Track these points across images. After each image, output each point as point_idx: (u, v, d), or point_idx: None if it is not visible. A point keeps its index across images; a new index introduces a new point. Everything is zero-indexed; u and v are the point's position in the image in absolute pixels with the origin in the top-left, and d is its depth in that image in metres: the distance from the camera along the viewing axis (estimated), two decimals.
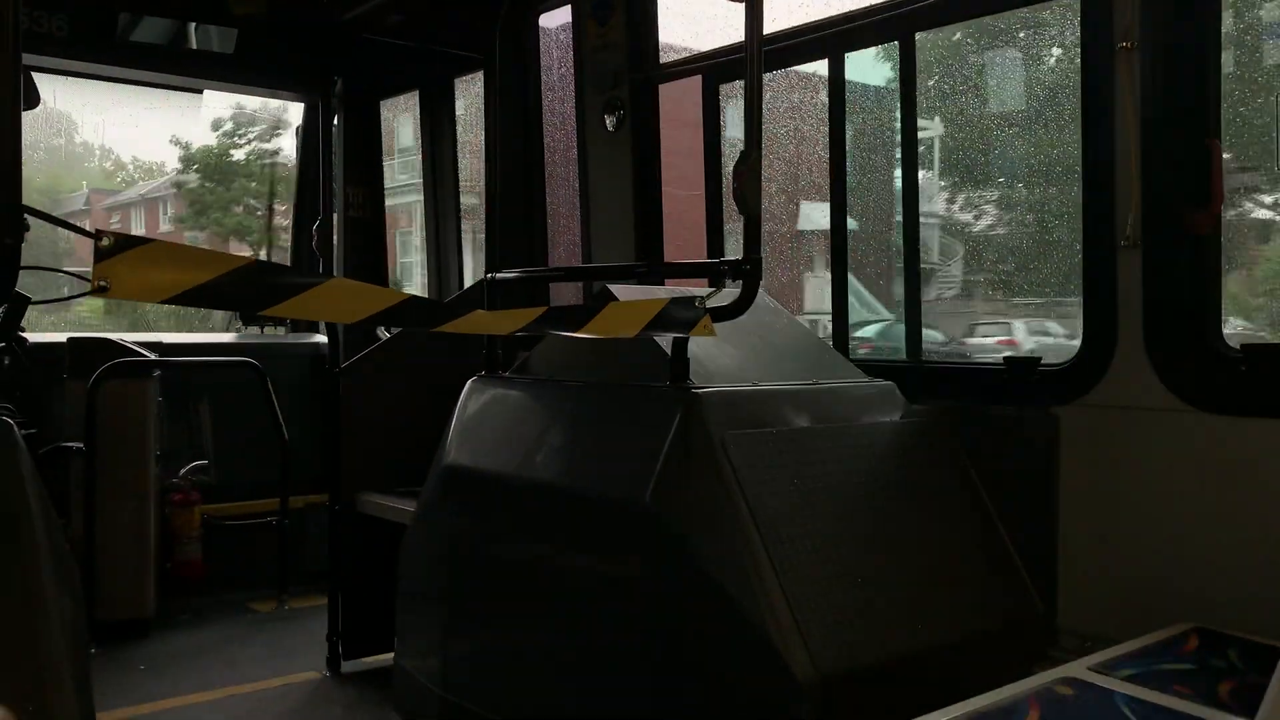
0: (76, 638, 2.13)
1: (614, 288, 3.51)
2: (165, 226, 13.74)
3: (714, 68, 4.73)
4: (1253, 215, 4.17)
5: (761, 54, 3.09)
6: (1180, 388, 3.10)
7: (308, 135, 6.89)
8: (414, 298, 2.80)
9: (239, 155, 10.03)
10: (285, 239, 7.46)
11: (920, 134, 4.02)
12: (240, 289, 2.35)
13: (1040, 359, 3.49)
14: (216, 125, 9.57)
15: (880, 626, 2.81)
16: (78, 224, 2.34)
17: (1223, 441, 3.00)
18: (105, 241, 2.10)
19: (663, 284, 4.38)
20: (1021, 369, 3.50)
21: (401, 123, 8.22)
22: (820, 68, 4.29)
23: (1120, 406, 3.23)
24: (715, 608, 2.74)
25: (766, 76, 3.82)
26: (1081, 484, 3.31)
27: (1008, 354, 3.57)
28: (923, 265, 4.06)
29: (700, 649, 2.79)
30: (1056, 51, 4.53)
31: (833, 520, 2.96)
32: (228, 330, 7.20)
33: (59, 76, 5.90)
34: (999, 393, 3.56)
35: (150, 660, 5.00)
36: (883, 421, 3.37)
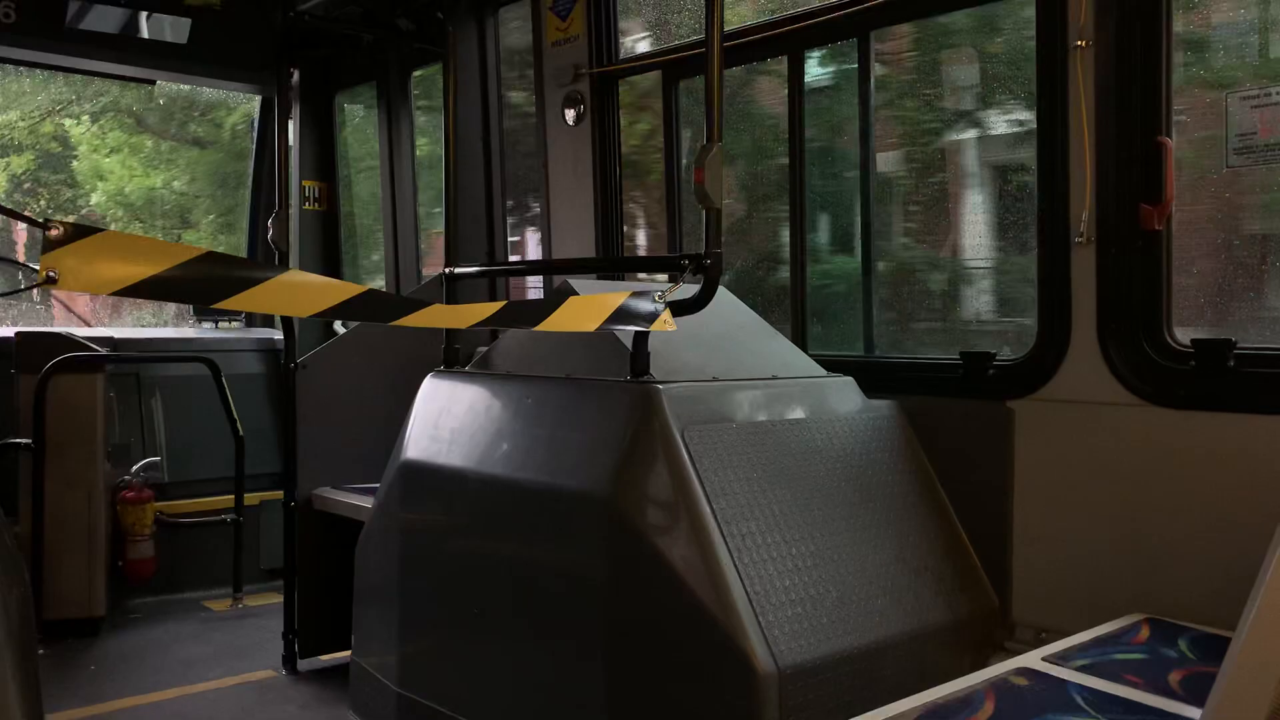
0: (23, 637, 2.08)
1: (574, 281, 3.50)
2: None
3: (674, 63, 4.73)
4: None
5: (722, 50, 3.09)
6: (1132, 382, 3.15)
7: (264, 128, 6.82)
8: (371, 291, 2.77)
9: None
10: None
11: None
12: (192, 281, 2.31)
13: (995, 354, 3.53)
14: None
15: (838, 619, 2.83)
16: None
17: (1174, 435, 3.04)
18: (55, 231, 2.05)
19: (623, 278, 4.38)
20: (977, 364, 3.54)
21: None
22: None
23: (1073, 401, 3.27)
24: (675, 602, 2.74)
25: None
26: (1035, 477, 3.35)
27: (963, 349, 3.61)
28: None
29: (660, 643, 2.79)
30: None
31: (792, 513, 2.97)
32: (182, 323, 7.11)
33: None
34: (955, 387, 3.60)
35: (101, 660, 4.92)
36: (841, 415, 3.39)
